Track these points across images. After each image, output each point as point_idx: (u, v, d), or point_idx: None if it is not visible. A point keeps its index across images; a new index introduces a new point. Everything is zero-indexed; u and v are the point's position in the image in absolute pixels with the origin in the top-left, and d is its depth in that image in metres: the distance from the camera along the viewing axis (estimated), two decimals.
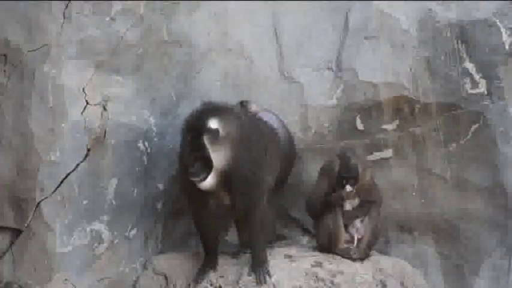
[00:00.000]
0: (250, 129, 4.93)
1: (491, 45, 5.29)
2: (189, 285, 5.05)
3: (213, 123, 4.71)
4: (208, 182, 4.73)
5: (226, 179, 4.77)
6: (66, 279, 5.08)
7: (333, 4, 5.51)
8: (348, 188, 5.03)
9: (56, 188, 5.08)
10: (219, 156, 4.72)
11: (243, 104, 5.31)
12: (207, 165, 4.70)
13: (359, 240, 5.13)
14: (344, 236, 5.12)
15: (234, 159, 4.77)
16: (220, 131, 4.72)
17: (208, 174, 4.71)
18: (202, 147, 4.67)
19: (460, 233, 5.49)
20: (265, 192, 4.95)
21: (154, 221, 5.39)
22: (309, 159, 5.51)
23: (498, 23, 5.30)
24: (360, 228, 5.14)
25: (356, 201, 5.16)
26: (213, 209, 4.95)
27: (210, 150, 4.69)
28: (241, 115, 4.97)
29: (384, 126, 5.43)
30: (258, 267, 4.92)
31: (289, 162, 5.35)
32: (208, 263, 5.05)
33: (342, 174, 5.04)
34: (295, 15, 5.53)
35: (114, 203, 5.22)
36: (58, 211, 5.08)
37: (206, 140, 4.68)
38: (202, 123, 4.71)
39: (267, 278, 4.90)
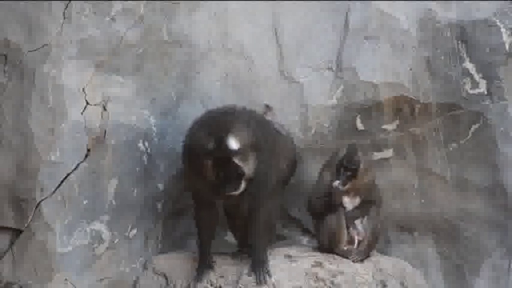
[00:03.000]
0: (259, 133, 4.96)
1: (491, 45, 5.29)
2: (189, 285, 5.05)
3: (236, 144, 4.73)
4: (241, 189, 4.79)
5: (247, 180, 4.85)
6: (66, 279, 5.09)
7: (333, 4, 5.51)
8: (337, 182, 5.04)
9: (56, 188, 5.08)
10: (248, 167, 4.77)
11: (267, 108, 5.33)
12: (238, 177, 4.75)
13: (360, 242, 5.13)
14: (345, 236, 5.12)
15: (256, 161, 4.84)
16: (243, 148, 4.74)
17: (241, 184, 4.77)
18: (234, 167, 4.72)
19: (460, 233, 5.49)
20: (271, 192, 4.97)
21: (154, 221, 5.39)
22: (309, 159, 5.51)
23: (498, 23, 5.30)
24: (360, 230, 5.15)
25: (357, 201, 5.16)
26: (217, 209, 5.01)
27: (242, 167, 4.74)
28: (249, 121, 4.95)
29: (384, 126, 5.43)
30: (258, 267, 4.93)
31: (293, 165, 5.36)
32: (204, 262, 5.08)
33: (343, 162, 5.06)
34: (295, 15, 5.53)
35: (114, 203, 5.22)
36: (58, 211, 5.08)
37: (237, 161, 4.73)
38: (229, 148, 4.71)
39: (267, 278, 4.91)
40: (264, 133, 4.96)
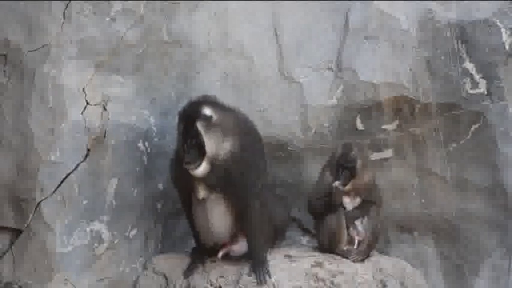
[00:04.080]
0: (248, 125, 5.02)
1: (491, 45, 5.29)
2: (189, 285, 5.06)
3: (207, 111, 4.81)
4: (202, 169, 4.81)
5: (218, 169, 4.84)
6: (66, 279, 5.09)
7: (333, 4, 5.51)
8: (337, 183, 5.04)
9: (56, 188, 5.08)
10: (211, 143, 4.81)
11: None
12: (201, 153, 4.79)
13: (360, 242, 5.13)
14: (345, 236, 5.13)
15: (228, 149, 4.86)
16: (214, 118, 4.81)
17: (202, 161, 4.79)
18: (196, 134, 4.77)
19: (460, 233, 5.49)
20: (259, 188, 4.98)
21: (154, 221, 5.39)
22: (309, 159, 5.51)
23: (498, 23, 5.30)
24: (360, 230, 5.15)
25: (357, 201, 5.16)
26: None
27: (204, 137, 4.78)
28: (238, 112, 5.03)
29: (384, 126, 5.43)
30: (258, 267, 4.93)
31: None
32: (196, 258, 5.12)
33: (340, 162, 5.07)
34: (295, 15, 5.53)
35: (114, 203, 5.22)
36: (58, 211, 5.08)
37: (200, 126, 4.78)
38: (196, 110, 4.82)
39: (267, 278, 4.91)
40: (249, 135, 4.98)
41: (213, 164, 4.83)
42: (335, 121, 5.45)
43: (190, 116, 4.80)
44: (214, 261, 5.11)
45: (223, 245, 5.05)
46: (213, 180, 4.87)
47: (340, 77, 5.43)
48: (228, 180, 4.87)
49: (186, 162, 4.79)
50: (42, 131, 5.09)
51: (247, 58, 5.49)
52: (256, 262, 4.95)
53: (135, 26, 5.28)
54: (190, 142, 4.79)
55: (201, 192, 4.94)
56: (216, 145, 4.82)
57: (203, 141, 4.77)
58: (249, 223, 4.96)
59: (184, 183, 4.98)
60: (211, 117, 4.81)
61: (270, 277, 4.92)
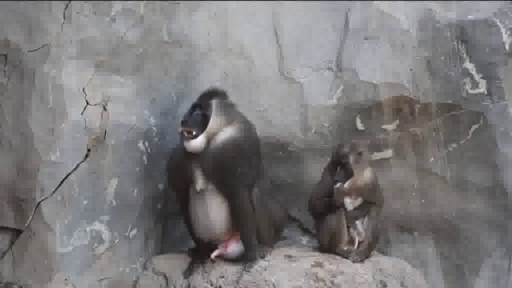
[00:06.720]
0: (251, 127, 5.11)
1: (491, 45, 5.29)
2: (189, 285, 5.06)
3: (225, 96, 5.08)
4: (197, 141, 4.91)
5: (214, 153, 4.91)
6: (66, 279, 5.09)
7: (333, 4, 5.51)
8: (339, 184, 5.04)
9: (56, 188, 5.08)
10: (216, 121, 4.96)
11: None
12: (203, 125, 4.94)
13: (360, 242, 5.13)
14: (346, 236, 5.13)
15: (227, 136, 4.96)
16: (228, 102, 5.06)
17: (200, 133, 4.92)
18: (207, 108, 4.96)
19: (460, 233, 5.49)
20: (250, 181, 5.01)
21: (154, 221, 5.39)
22: (309, 159, 5.51)
23: (498, 23, 5.30)
24: (361, 230, 5.15)
25: (358, 202, 5.16)
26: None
27: (212, 112, 4.96)
28: (245, 117, 5.15)
29: (384, 126, 5.43)
30: (252, 263, 4.94)
31: None
32: (197, 258, 5.12)
33: (334, 159, 5.08)
34: (295, 15, 5.53)
35: (114, 203, 5.22)
36: (58, 211, 5.08)
37: (214, 103, 4.99)
38: (217, 91, 5.07)
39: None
40: (250, 133, 5.08)
41: (209, 142, 4.94)
42: (335, 121, 5.45)
43: (210, 93, 5.05)
44: (214, 261, 5.11)
45: (219, 243, 5.06)
46: (209, 166, 4.92)
47: (340, 77, 5.43)
48: (223, 167, 4.91)
49: (185, 122, 4.93)
50: (42, 131, 5.09)
51: (247, 58, 5.49)
52: (249, 258, 4.98)
53: (135, 26, 5.28)
54: (198, 111, 4.97)
55: (199, 183, 4.97)
56: (219, 126, 4.97)
57: (209, 116, 4.94)
58: (240, 213, 4.98)
59: (182, 175, 5.01)
60: (226, 101, 5.04)
61: (261, 257, 5.00)
